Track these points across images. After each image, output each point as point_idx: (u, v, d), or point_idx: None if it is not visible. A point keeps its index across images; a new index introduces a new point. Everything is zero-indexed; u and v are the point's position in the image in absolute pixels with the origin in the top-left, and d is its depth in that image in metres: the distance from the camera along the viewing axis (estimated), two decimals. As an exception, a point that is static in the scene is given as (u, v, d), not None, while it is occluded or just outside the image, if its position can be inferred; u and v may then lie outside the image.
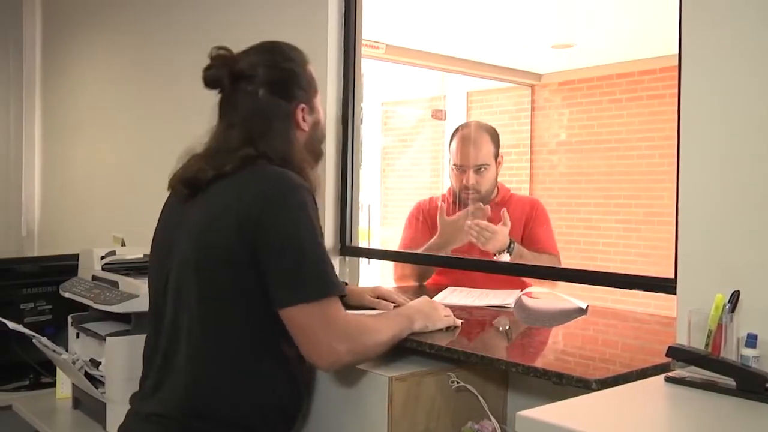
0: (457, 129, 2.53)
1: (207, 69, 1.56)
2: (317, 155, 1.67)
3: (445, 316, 1.61)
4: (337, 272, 2.35)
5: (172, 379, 1.46)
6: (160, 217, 1.63)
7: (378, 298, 1.80)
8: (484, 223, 2.24)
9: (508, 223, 2.25)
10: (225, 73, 1.54)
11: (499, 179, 2.49)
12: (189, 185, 1.52)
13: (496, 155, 2.45)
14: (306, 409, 1.61)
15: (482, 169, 2.41)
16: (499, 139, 2.49)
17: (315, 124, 1.63)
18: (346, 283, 1.91)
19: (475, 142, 2.45)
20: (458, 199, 2.46)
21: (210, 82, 1.56)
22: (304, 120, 1.59)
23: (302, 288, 1.36)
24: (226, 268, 1.41)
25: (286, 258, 1.37)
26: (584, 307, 1.90)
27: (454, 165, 2.45)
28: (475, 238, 2.23)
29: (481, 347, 1.48)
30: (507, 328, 1.60)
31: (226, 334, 1.43)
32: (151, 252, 1.62)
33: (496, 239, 2.21)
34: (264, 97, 1.54)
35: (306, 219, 1.40)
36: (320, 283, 1.37)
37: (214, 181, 1.48)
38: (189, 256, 1.46)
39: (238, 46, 1.62)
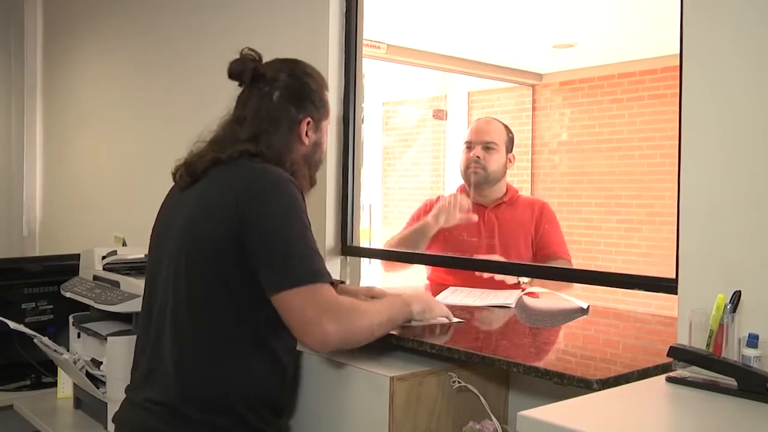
0: (475, 119, 2.62)
1: (234, 62, 1.63)
2: (310, 179, 1.69)
3: (440, 305, 1.65)
4: (338, 272, 2.41)
5: (162, 365, 1.49)
6: (161, 206, 1.66)
7: (372, 297, 1.80)
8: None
9: None
10: (249, 69, 1.61)
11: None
12: (188, 171, 1.57)
13: (508, 147, 2.48)
14: (293, 403, 1.64)
15: (490, 148, 2.43)
16: (513, 137, 2.53)
17: (316, 145, 1.67)
18: (342, 282, 1.92)
19: (487, 123, 2.53)
20: (464, 177, 2.48)
21: (233, 73, 1.63)
22: (307, 134, 1.63)
23: (292, 273, 1.39)
24: (209, 258, 1.45)
25: (274, 247, 1.40)
26: (585, 308, 1.90)
27: (465, 143, 2.49)
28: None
29: (482, 347, 1.48)
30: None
31: (209, 321, 1.46)
32: (150, 240, 1.65)
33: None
34: (277, 100, 1.61)
35: (293, 210, 1.44)
36: (309, 269, 1.40)
37: (210, 169, 1.53)
38: (178, 243, 1.50)
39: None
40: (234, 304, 1.44)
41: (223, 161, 1.53)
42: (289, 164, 1.57)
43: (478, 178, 2.43)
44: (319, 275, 1.40)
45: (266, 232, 1.41)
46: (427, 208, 2.52)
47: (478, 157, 2.41)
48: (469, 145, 2.46)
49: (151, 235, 1.64)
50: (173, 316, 1.48)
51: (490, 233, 2.41)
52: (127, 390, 1.58)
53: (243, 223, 1.41)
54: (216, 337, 1.45)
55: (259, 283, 1.41)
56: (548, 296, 2.08)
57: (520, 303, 1.97)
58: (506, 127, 2.53)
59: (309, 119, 1.63)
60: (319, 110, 1.66)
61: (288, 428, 1.64)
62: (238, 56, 1.63)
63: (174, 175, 1.61)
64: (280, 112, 1.60)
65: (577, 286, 2.11)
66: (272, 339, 1.46)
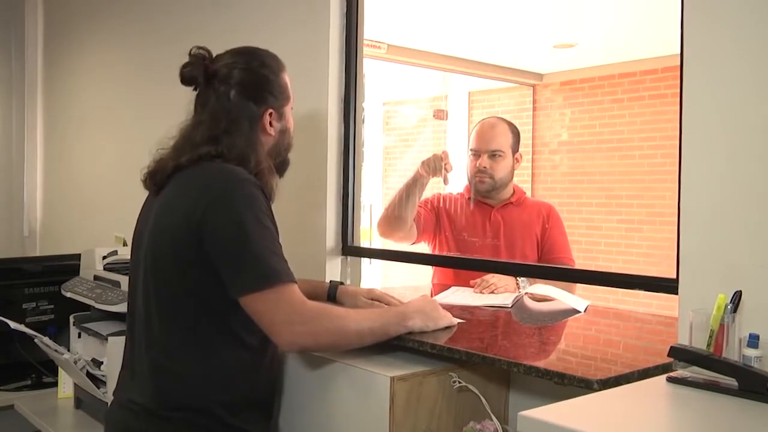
0: (479, 121, 2.58)
1: (184, 66, 1.62)
2: (283, 163, 1.68)
3: (444, 315, 1.62)
4: (339, 272, 2.40)
5: (140, 367, 1.50)
6: (139, 212, 1.66)
7: (372, 300, 1.80)
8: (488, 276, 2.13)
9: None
10: (200, 71, 1.60)
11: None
12: (153, 179, 1.57)
13: (514, 149, 2.45)
14: (278, 401, 1.63)
15: (497, 156, 2.41)
16: (519, 135, 2.50)
17: (282, 132, 1.65)
18: (341, 283, 1.92)
19: (492, 128, 2.47)
20: (471, 185, 2.47)
21: (185, 79, 1.62)
22: (271, 125, 1.61)
23: (252, 276, 1.39)
24: (174, 262, 1.45)
25: (232, 248, 1.40)
26: (582, 309, 1.88)
27: (470, 150, 2.47)
28: (480, 288, 2.11)
29: (482, 347, 1.48)
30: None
31: (180, 325, 1.46)
32: (130, 246, 1.66)
33: (504, 285, 2.11)
34: (234, 98, 1.58)
35: (251, 211, 1.42)
36: (270, 272, 1.39)
37: (174, 174, 1.53)
38: (147, 250, 1.51)
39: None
40: (203, 306, 1.45)
41: (185, 166, 1.52)
42: (254, 164, 1.54)
43: (486, 187, 2.43)
44: (279, 275, 1.39)
45: (224, 234, 1.41)
46: (428, 207, 2.52)
47: (485, 167, 2.40)
48: (475, 153, 2.44)
49: (131, 241, 1.65)
50: (146, 321, 1.49)
51: (496, 233, 2.41)
52: (114, 391, 1.60)
53: (201, 225, 1.41)
54: (188, 340, 1.46)
55: (224, 283, 1.41)
56: (546, 296, 2.06)
57: (518, 303, 1.97)
58: (510, 126, 2.49)
59: (270, 110, 1.61)
60: (279, 99, 1.63)
61: (277, 430, 1.64)
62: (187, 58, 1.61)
63: (143, 183, 1.61)
64: (239, 110, 1.57)
65: (578, 286, 2.10)
66: (246, 336, 1.46)
